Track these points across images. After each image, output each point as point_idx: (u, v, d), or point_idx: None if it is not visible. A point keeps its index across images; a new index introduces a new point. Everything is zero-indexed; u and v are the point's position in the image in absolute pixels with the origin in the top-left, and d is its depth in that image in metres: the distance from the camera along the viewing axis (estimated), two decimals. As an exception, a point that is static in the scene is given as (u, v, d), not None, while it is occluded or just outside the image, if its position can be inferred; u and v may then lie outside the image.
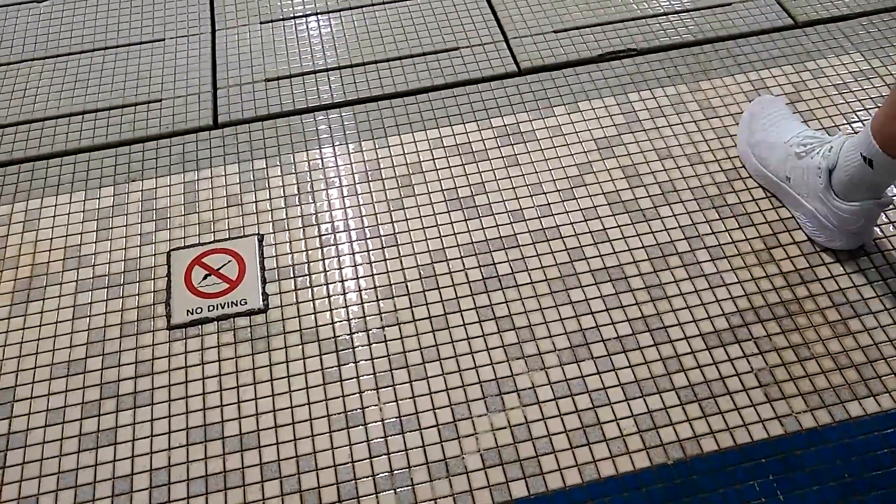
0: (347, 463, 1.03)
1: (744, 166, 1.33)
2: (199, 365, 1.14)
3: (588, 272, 1.21)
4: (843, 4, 1.64)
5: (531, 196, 1.32)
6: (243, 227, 1.30)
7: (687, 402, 1.07)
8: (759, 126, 1.31)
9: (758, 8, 1.65)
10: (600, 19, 1.64)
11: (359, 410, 1.08)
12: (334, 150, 1.41)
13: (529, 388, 1.09)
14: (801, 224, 1.24)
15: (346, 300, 1.20)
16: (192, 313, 1.19)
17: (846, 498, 0.99)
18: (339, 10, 1.70)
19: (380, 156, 1.39)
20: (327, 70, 1.57)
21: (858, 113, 1.41)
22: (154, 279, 1.24)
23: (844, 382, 1.09)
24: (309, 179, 1.36)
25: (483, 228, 1.28)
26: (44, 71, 1.60)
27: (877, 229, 1.24)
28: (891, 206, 1.27)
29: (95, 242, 1.29)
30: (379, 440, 1.05)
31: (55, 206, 1.35)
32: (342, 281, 1.22)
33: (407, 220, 1.29)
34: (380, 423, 1.07)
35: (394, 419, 1.07)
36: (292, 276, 1.23)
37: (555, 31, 1.62)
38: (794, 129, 1.26)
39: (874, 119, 1.05)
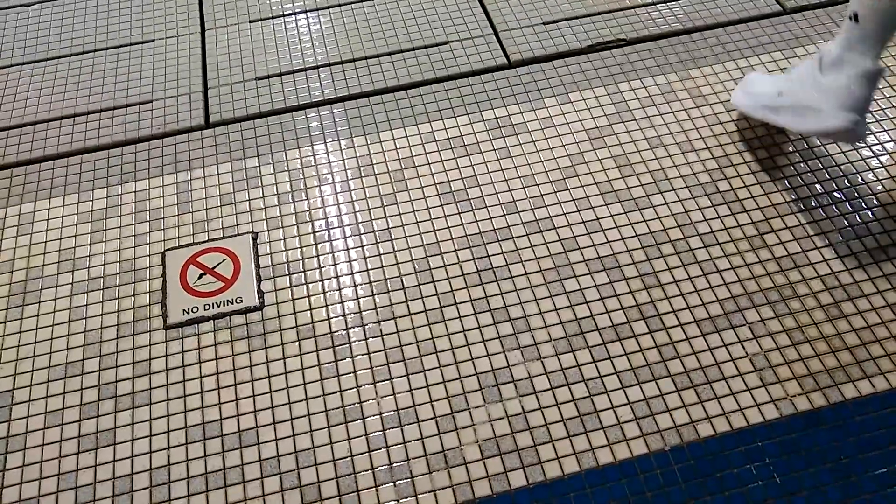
0: (346, 457, 1.04)
1: (745, 119, 1.39)
2: (196, 364, 1.14)
3: (582, 262, 1.22)
4: (831, -10, 1.65)
5: (524, 188, 1.32)
6: (237, 225, 1.30)
7: (683, 389, 1.08)
8: (752, 78, 1.36)
9: (746, -5, 1.66)
10: (589, 10, 1.64)
11: (356, 405, 1.09)
12: (326, 146, 1.41)
13: (526, 379, 1.10)
14: (798, 129, 1.24)
15: (341, 296, 1.20)
16: (188, 312, 1.19)
17: (842, 479, 0.99)
18: (328, 7, 1.70)
19: (372, 151, 1.40)
20: (318, 67, 1.57)
21: (848, 97, 1.42)
22: (149, 279, 1.24)
23: (839, 365, 1.09)
24: (302, 177, 1.36)
25: (476, 221, 1.28)
26: (34, 74, 1.59)
27: (870, 212, 1.25)
28: (883, 76, 1.27)
29: (90, 244, 1.29)
30: (377, 434, 1.06)
31: (48, 209, 1.35)
32: (337, 277, 1.22)
33: (400, 214, 1.30)
34: (378, 416, 1.07)
35: (391, 412, 1.08)
36: (287, 273, 1.23)
37: (544, 23, 1.62)
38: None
39: None
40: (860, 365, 1.09)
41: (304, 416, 1.08)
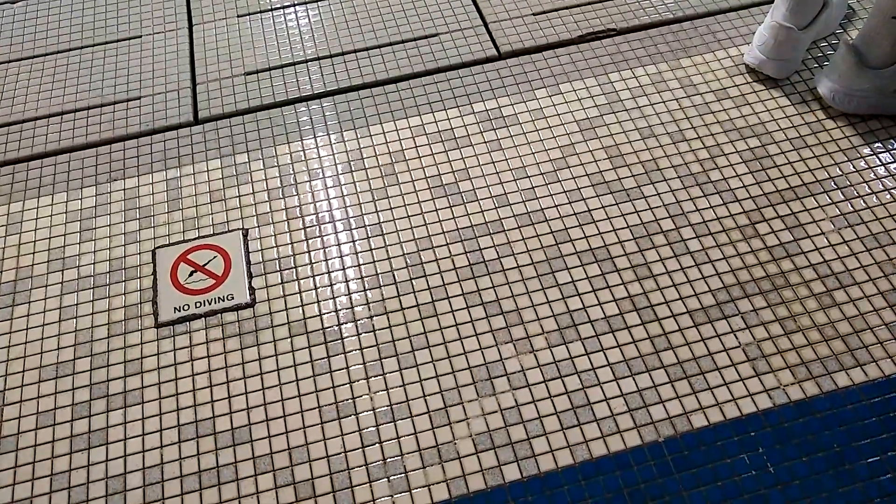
0: (340, 453, 1.04)
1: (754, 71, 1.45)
2: (188, 362, 1.13)
3: (574, 254, 1.22)
4: (821, -23, 1.64)
5: (515, 180, 1.32)
6: (227, 222, 1.29)
7: (676, 380, 1.08)
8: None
9: (736, -17, 1.65)
10: (579, 0, 1.63)
11: (349, 401, 1.08)
12: (316, 141, 1.40)
13: (519, 372, 1.10)
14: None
15: (333, 291, 1.20)
16: (179, 310, 1.19)
17: (835, 468, 1.00)
18: (317, 1, 1.69)
19: (362, 145, 1.39)
20: (307, 61, 1.56)
21: (839, 85, 1.41)
22: (140, 278, 1.23)
23: (831, 353, 1.10)
24: (292, 172, 1.36)
25: (468, 214, 1.27)
26: (20, 72, 1.58)
27: (861, 200, 1.25)
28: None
29: (79, 243, 1.28)
30: (370, 429, 1.05)
31: (37, 208, 1.34)
32: (329, 272, 1.22)
33: (391, 208, 1.29)
34: (371, 412, 1.07)
35: (385, 408, 1.07)
36: (278, 269, 1.23)
37: (534, 14, 1.61)
38: None
39: None
40: (853, 353, 1.09)
41: (297, 413, 1.07)
